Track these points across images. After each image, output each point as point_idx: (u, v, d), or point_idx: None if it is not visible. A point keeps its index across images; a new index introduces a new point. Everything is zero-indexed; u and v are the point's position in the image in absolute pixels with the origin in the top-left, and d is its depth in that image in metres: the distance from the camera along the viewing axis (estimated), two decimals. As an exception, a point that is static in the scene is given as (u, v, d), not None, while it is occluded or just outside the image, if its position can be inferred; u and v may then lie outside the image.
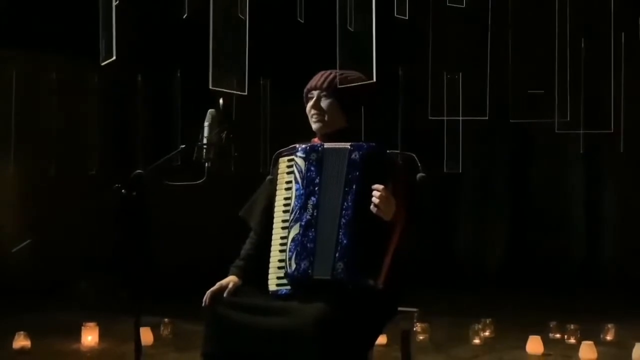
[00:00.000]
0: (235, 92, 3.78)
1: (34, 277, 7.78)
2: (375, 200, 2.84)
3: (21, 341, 5.61)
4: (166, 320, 6.14)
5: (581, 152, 5.72)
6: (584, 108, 4.98)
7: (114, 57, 3.68)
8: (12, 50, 7.85)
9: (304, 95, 3.16)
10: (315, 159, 2.96)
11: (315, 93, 3.11)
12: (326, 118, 3.09)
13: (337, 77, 3.09)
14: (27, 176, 7.98)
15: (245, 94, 3.84)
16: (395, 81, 6.44)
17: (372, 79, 3.10)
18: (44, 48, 7.89)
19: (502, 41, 5.56)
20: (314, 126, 3.12)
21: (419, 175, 2.91)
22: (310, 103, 3.11)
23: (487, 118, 4.75)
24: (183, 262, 8.76)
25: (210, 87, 3.75)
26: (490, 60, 4.74)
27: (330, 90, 3.08)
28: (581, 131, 5.08)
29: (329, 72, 3.14)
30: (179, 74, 6.91)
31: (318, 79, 3.12)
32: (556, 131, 4.94)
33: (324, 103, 3.09)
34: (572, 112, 5.09)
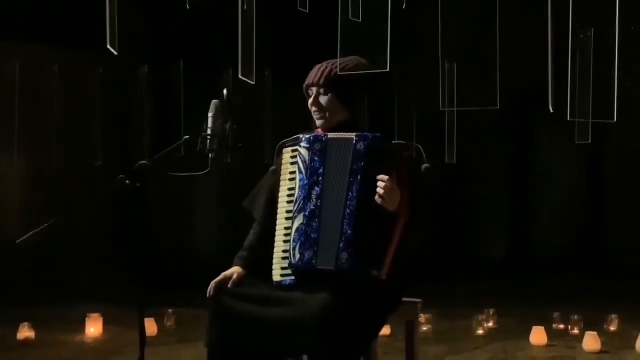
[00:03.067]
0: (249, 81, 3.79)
1: (37, 268, 7.80)
2: (379, 190, 2.84)
3: (25, 332, 5.63)
4: (170, 310, 6.16)
5: (589, 141, 5.69)
6: (584, 98, 4.96)
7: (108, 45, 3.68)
8: (15, 42, 7.85)
9: (304, 90, 3.13)
10: (318, 149, 2.95)
11: (313, 89, 3.08)
12: (327, 114, 3.07)
13: (334, 69, 3.06)
14: (32, 167, 7.99)
15: (253, 82, 3.84)
16: (398, 73, 6.43)
17: (385, 68, 3.08)
18: (47, 40, 7.89)
19: (506, 31, 5.55)
20: (317, 122, 3.11)
21: (424, 165, 2.90)
22: (310, 100, 3.10)
23: (497, 107, 4.74)
24: (186, 252, 8.78)
25: (240, 76, 3.73)
26: (491, 50, 4.73)
27: (328, 85, 3.04)
28: (590, 120, 5.06)
29: (324, 65, 3.09)
30: (181, 65, 6.90)
31: (315, 74, 3.08)
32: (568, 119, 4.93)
33: (323, 99, 3.07)
34: (578, 102, 5.07)
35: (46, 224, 2.99)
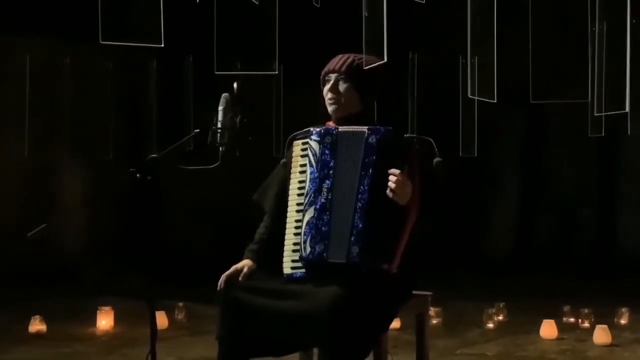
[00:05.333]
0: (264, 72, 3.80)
1: (49, 261, 7.83)
2: (391, 184, 2.83)
3: (37, 325, 5.65)
4: (180, 304, 6.18)
5: (602, 134, 5.67)
6: (600, 90, 4.94)
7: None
8: (27, 35, 7.86)
9: (322, 77, 3.14)
10: (329, 142, 2.95)
11: (333, 76, 3.08)
12: (342, 101, 3.07)
13: (357, 61, 3.07)
14: (43, 161, 8.00)
15: (276, 72, 3.84)
16: (410, 66, 6.41)
17: (383, 60, 3.09)
18: (58, 33, 7.89)
19: (518, 22, 5.53)
20: (330, 109, 3.10)
21: (436, 159, 2.90)
22: (328, 86, 3.10)
23: (495, 101, 4.74)
24: (197, 245, 8.79)
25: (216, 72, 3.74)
26: (505, 42, 4.72)
27: (349, 74, 3.05)
28: (603, 113, 5.03)
29: (347, 55, 3.11)
30: (191, 59, 6.89)
31: (337, 62, 3.10)
32: (595, 112, 4.91)
33: (342, 87, 3.07)
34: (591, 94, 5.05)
35: (43, 225, 3.01)
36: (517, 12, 5.45)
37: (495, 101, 4.68)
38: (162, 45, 3.78)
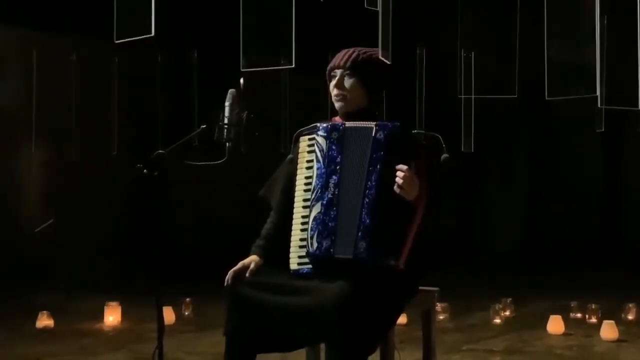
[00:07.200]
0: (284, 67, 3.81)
1: (56, 257, 7.84)
2: (399, 180, 2.83)
3: (44, 320, 5.67)
4: (188, 299, 6.19)
5: (602, 129, 5.66)
6: (609, 85, 4.92)
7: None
8: (34, 30, 7.87)
9: (327, 73, 3.13)
10: (336, 137, 2.95)
11: (338, 72, 3.07)
12: (348, 97, 3.06)
13: (361, 55, 3.06)
14: (49, 157, 8.02)
15: (292, 66, 3.84)
16: (417, 61, 6.40)
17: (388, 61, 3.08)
18: (65, 29, 7.90)
19: (527, 18, 5.52)
20: (336, 105, 3.10)
21: (443, 156, 2.89)
22: (333, 82, 3.09)
23: (515, 96, 4.72)
24: (204, 241, 8.81)
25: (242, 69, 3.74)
26: (513, 38, 4.70)
27: (354, 69, 3.04)
28: (604, 107, 5.02)
29: (352, 50, 3.09)
30: (195, 54, 6.90)
31: (341, 57, 3.09)
32: (599, 106, 4.90)
33: (347, 82, 3.06)
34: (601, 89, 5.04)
35: (50, 221, 3.02)
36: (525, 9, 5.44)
37: (495, 97, 4.68)
38: (152, 34, 3.78)
